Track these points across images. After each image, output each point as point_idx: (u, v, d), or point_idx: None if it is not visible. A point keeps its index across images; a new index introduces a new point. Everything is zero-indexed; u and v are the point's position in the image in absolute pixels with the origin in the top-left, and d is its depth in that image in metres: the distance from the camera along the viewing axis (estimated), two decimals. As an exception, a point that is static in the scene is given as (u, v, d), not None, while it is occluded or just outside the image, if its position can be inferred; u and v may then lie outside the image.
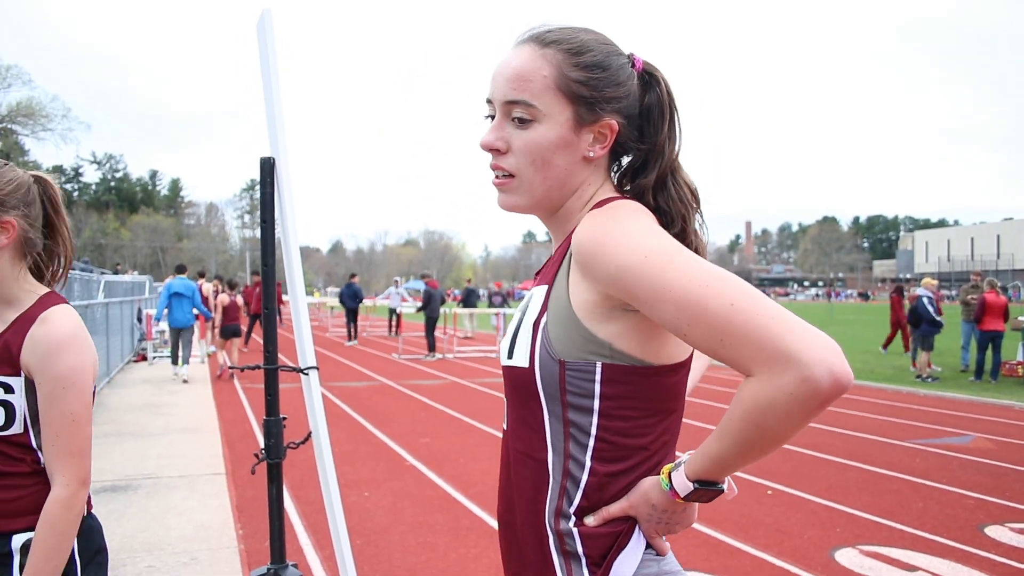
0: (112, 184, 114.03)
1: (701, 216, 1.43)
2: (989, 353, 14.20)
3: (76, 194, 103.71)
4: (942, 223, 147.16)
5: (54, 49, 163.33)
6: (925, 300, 14.49)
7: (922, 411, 11.00)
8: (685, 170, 1.43)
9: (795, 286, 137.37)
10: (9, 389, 1.77)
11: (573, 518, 1.30)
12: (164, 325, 17.68)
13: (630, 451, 1.30)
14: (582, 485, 1.30)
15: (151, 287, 27.27)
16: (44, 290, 1.89)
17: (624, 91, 1.37)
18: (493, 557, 4.93)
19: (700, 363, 1.65)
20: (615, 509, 1.29)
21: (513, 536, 1.40)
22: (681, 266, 1.16)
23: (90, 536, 1.89)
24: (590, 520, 1.30)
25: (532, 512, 1.35)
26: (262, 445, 2.91)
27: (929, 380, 14.04)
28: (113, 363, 14.37)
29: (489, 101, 1.40)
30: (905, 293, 18.30)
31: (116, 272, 25.09)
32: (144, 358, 17.54)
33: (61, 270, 1.98)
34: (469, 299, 25.53)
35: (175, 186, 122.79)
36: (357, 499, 6.23)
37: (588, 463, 1.30)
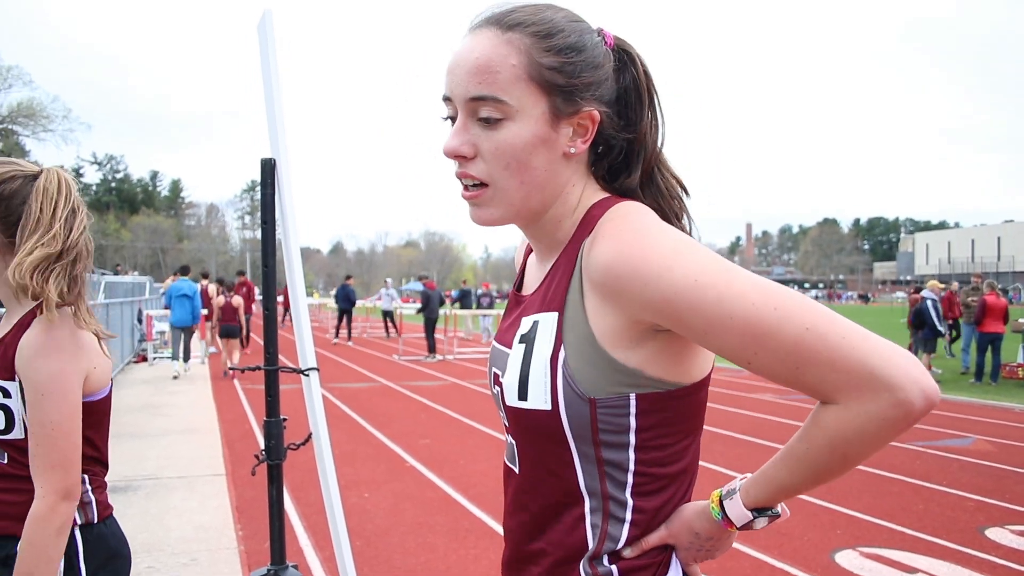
0: (113, 185, 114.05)
1: (688, 212, 1.30)
2: (989, 355, 14.21)
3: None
4: (943, 225, 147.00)
5: (54, 49, 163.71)
6: (929, 303, 14.51)
7: (922, 413, 10.98)
8: (669, 161, 1.29)
9: (795, 288, 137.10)
10: (7, 394, 1.76)
11: (607, 558, 1.18)
12: (164, 325, 17.95)
13: (669, 479, 1.19)
14: (626, 525, 1.18)
15: (151, 288, 27.27)
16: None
17: (603, 74, 1.20)
18: (493, 558, 4.93)
19: None
20: (654, 539, 1.18)
21: None
22: (739, 288, 1.03)
23: (99, 543, 1.87)
24: (628, 552, 1.18)
25: (565, 562, 1.21)
26: (262, 446, 2.91)
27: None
28: (113, 364, 14.32)
29: (447, 99, 1.21)
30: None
31: (116, 273, 25.11)
32: (144, 359, 17.54)
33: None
34: (465, 300, 25.52)
35: (175, 187, 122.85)
36: (357, 500, 6.23)
37: (630, 500, 1.17)
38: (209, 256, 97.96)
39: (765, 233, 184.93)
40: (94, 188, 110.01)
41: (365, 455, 7.96)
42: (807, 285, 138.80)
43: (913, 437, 9.06)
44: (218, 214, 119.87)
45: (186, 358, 15.10)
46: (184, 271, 16.29)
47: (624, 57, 1.25)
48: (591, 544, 1.18)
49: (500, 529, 5.46)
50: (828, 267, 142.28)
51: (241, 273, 19.40)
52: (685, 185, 1.29)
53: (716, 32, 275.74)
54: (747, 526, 1.16)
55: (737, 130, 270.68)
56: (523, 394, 1.17)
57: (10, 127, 54.18)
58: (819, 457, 1.06)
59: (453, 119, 1.21)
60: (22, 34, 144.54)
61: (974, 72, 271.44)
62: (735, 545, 5.15)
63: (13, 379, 1.75)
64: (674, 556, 1.21)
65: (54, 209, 1.79)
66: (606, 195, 1.25)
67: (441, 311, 19.83)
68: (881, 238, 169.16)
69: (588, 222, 1.21)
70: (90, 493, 1.89)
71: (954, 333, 17.58)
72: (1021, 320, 15.00)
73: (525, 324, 1.22)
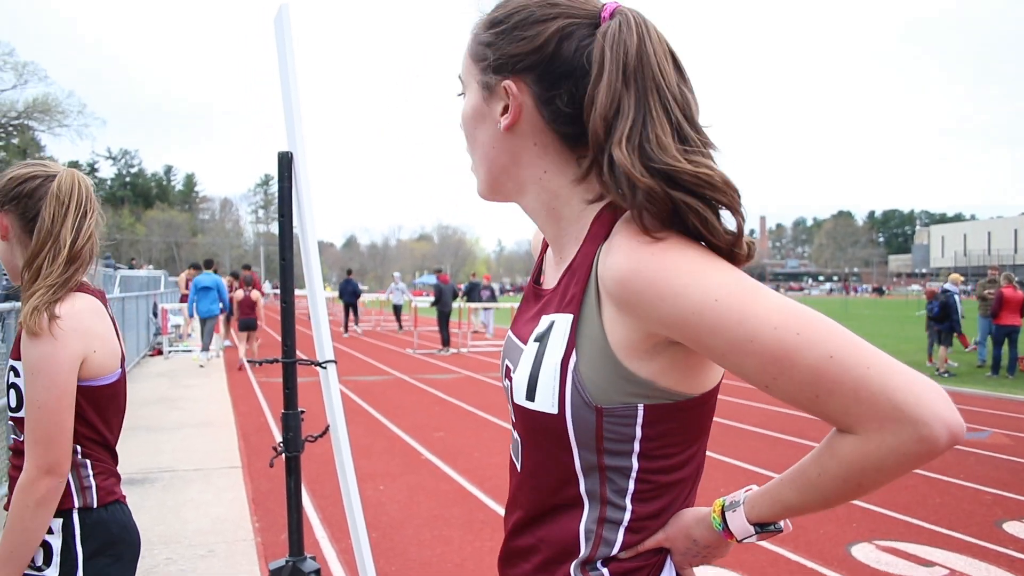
0: (127, 180, 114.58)
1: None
2: (1006, 348, 14.12)
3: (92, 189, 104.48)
4: (958, 217, 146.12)
5: (69, 44, 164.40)
6: (956, 297, 14.46)
7: (938, 406, 10.93)
8: (665, 149, 1.06)
9: (809, 281, 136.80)
10: (17, 373, 1.85)
11: (600, 562, 1.17)
12: (179, 319, 18.37)
13: (670, 487, 1.17)
14: (622, 530, 1.16)
15: (167, 282, 27.44)
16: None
17: (530, 46, 1.13)
18: (508, 551, 4.94)
19: None
20: (650, 542, 1.17)
21: None
22: (762, 310, 0.99)
23: (97, 528, 1.92)
24: (623, 554, 1.16)
25: (555, 561, 1.21)
26: (278, 439, 2.92)
27: (945, 375, 13.96)
28: (129, 357, 14.42)
29: None
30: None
31: (131, 267, 25.26)
32: (160, 352, 17.64)
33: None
34: (473, 293, 25.47)
35: (189, 181, 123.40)
36: (373, 493, 6.25)
37: (629, 506, 1.15)
38: (223, 250, 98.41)
39: (779, 226, 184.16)
40: (109, 183, 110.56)
41: (380, 448, 7.99)
42: (821, 278, 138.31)
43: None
44: (232, 208, 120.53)
45: (206, 347, 15.80)
46: (208, 265, 17.19)
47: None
48: (584, 548, 1.17)
49: (515, 522, 5.49)
50: (842, 260, 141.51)
51: (247, 267, 19.60)
52: (639, 182, 1.05)
53: (729, 22, 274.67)
54: (750, 539, 1.14)
55: (751, 122, 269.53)
56: (531, 394, 1.16)
57: (26, 123, 54.51)
58: (832, 485, 1.03)
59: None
60: (37, 29, 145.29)
61: (992, 65, 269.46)
62: (750, 538, 5.16)
63: (20, 359, 1.85)
64: (668, 559, 1.19)
65: (65, 216, 1.91)
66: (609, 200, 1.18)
67: (455, 304, 19.86)
68: (896, 231, 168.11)
69: (602, 221, 1.16)
70: (91, 478, 1.93)
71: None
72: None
73: (543, 323, 1.19)
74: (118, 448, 2.06)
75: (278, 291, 3.07)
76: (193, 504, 5.98)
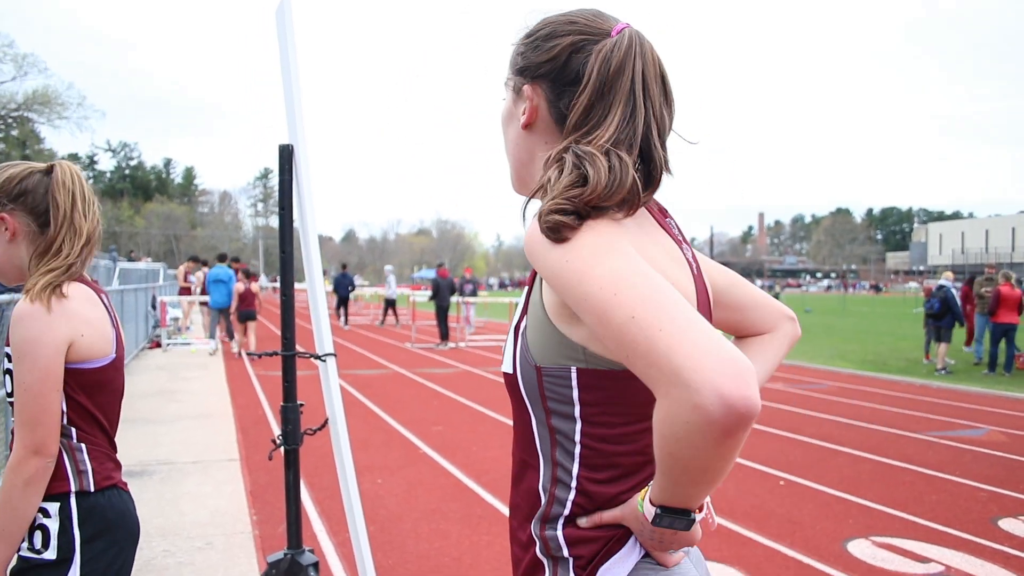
0: (126, 172, 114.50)
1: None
2: (1003, 346, 14.14)
3: (91, 182, 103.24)
4: (956, 215, 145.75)
5: (68, 35, 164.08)
6: (953, 291, 14.51)
7: (935, 403, 10.96)
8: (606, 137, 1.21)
9: (807, 277, 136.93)
10: (10, 358, 1.89)
11: (561, 523, 1.25)
12: (178, 311, 18.68)
13: (618, 459, 1.23)
14: (571, 493, 1.24)
15: (165, 274, 27.46)
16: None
17: (547, 56, 1.30)
18: (504, 544, 4.95)
19: (765, 360, 1.53)
20: (608, 516, 1.22)
21: (513, 538, 1.36)
22: (598, 271, 1.06)
23: (94, 512, 1.94)
24: (582, 521, 1.23)
25: (525, 518, 1.31)
26: (276, 432, 2.93)
27: (943, 372, 14.00)
28: (127, 350, 14.46)
29: None
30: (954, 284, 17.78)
31: (130, 259, 25.26)
32: (158, 345, 17.65)
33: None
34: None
35: (189, 174, 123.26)
36: (371, 486, 6.26)
37: (575, 470, 1.24)
38: (222, 243, 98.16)
39: (777, 222, 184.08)
40: (108, 175, 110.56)
41: (378, 441, 8.00)
42: (819, 275, 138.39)
43: (926, 427, 9.04)
44: (231, 201, 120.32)
45: (229, 336, 17.03)
46: (221, 258, 18.02)
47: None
48: (542, 505, 1.27)
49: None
50: (840, 257, 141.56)
51: (236, 260, 19.82)
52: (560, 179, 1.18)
53: (728, 20, 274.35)
54: (659, 523, 1.12)
55: (750, 119, 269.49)
56: (504, 359, 1.33)
57: (26, 115, 54.36)
58: (658, 455, 1.04)
59: None
60: (37, 21, 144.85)
61: (990, 63, 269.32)
62: (746, 532, 5.17)
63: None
64: (633, 539, 1.22)
65: (74, 201, 1.99)
66: None
67: (452, 299, 19.88)
68: (894, 228, 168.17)
69: None
70: (87, 462, 1.96)
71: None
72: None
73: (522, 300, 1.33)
74: (116, 440, 2.08)
75: (277, 284, 3.07)
76: (191, 496, 5.99)
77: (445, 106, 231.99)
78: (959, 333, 16.01)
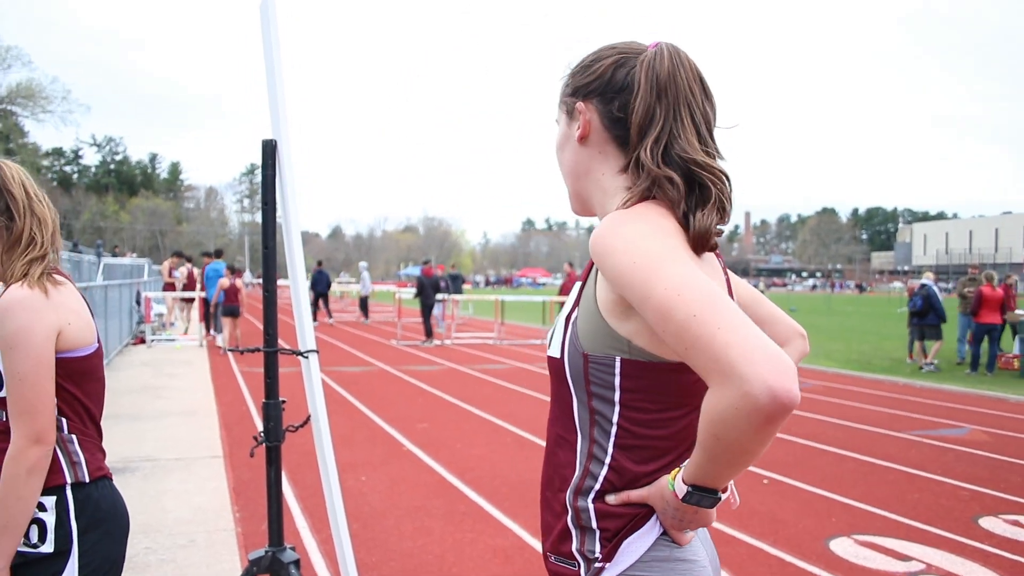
0: (112, 167, 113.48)
1: (704, 194, 1.37)
2: (986, 346, 14.24)
3: (76, 176, 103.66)
4: (941, 216, 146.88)
5: (53, 28, 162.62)
6: (935, 289, 14.63)
7: (919, 403, 11.03)
8: (688, 146, 1.37)
9: (793, 276, 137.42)
10: None
11: (592, 496, 1.39)
12: (162, 307, 18.78)
13: (650, 441, 1.37)
14: (604, 468, 1.38)
15: (150, 270, 27.29)
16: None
17: (594, 75, 1.46)
18: (488, 542, 4.95)
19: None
20: (635, 495, 1.37)
21: (546, 506, 1.49)
22: (664, 274, 1.20)
23: (88, 503, 1.95)
24: (611, 499, 1.38)
25: (559, 488, 1.44)
26: (260, 428, 2.91)
27: (929, 368, 14.10)
28: (112, 346, 14.38)
29: None
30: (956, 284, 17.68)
31: (115, 255, 25.13)
32: (143, 341, 17.55)
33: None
34: (454, 284, 25.77)
35: (175, 169, 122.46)
36: (354, 483, 6.25)
37: (610, 449, 1.38)
38: (208, 239, 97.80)
39: (763, 222, 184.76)
40: (93, 170, 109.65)
41: (362, 438, 7.98)
42: (804, 274, 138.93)
43: (909, 426, 9.10)
44: (217, 197, 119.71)
45: (217, 330, 17.33)
46: (218, 254, 18.79)
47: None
48: (576, 476, 1.41)
49: (496, 513, 5.48)
50: (826, 256, 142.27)
51: (208, 255, 19.91)
52: (672, 177, 1.36)
53: (714, 20, 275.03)
54: (689, 500, 1.28)
55: (736, 118, 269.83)
56: (551, 345, 1.47)
57: (9, 108, 54.01)
58: (703, 439, 1.19)
59: None
60: (20, 13, 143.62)
61: (974, 65, 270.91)
62: (729, 531, 5.19)
63: None
64: (655, 519, 1.37)
65: (27, 193, 2.00)
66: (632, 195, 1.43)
67: (438, 296, 19.86)
68: (879, 228, 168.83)
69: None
70: (79, 453, 1.96)
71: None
72: (1020, 311, 14.95)
73: (572, 293, 1.47)
74: None
75: (260, 280, 3.06)
76: (174, 493, 5.96)
77: (439, 105, 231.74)
78: (953, 333, 16.02)
